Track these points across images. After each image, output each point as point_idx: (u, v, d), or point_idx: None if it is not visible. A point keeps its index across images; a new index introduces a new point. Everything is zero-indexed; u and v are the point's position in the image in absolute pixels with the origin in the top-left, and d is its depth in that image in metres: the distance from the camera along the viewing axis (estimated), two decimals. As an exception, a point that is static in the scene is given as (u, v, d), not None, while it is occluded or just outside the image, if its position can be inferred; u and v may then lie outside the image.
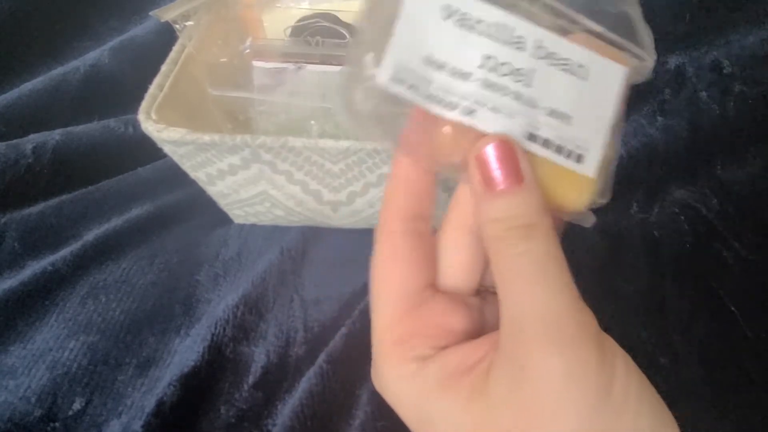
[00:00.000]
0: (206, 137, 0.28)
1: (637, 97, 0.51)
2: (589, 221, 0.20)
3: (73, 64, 0.48)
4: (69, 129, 0.43)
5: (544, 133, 0.19)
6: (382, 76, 0.18)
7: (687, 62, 0.52)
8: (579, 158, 0.19)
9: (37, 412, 0.29)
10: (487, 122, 0.18)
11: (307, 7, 0.40)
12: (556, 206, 0.19)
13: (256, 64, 0.35)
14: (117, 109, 0.46)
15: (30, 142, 0.41)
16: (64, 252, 0.36)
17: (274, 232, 0.40)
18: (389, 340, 0.19)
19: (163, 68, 0.33)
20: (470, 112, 0.18)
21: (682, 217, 0.43)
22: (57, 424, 0.29)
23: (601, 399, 0.16)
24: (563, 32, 0.19)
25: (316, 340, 0.33)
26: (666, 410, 0.17)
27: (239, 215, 0.39)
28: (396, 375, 0.19)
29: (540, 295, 0.16)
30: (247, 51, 0.35)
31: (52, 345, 0.32)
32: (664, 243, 0.41)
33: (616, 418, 0.16)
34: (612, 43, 0.20)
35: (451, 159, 0.19)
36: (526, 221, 0.17)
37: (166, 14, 0.34)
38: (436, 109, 0.18)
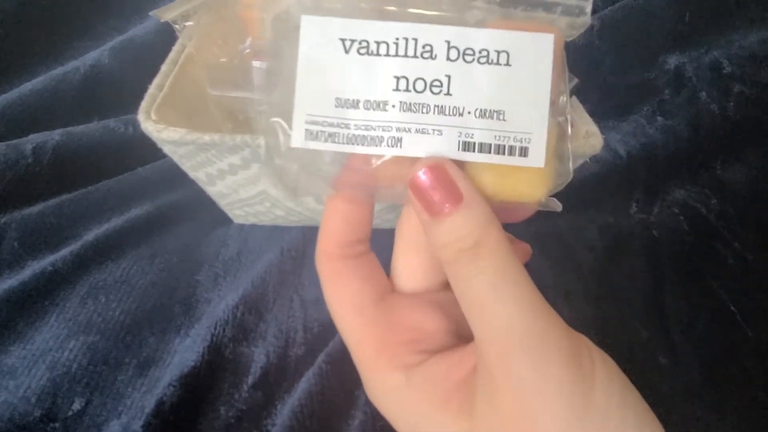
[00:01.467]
0: (206, 137, 0.28)
1: (637, 97, 0.51)
2: (557, 207, 0.19)
3: (73, 64, 0.48)
4: (69, 129, 0.43)
5: (479, 137, 0.18)
6: (296, 139, 0.17)
7: (687, 62, 0.52)
8: (523, 151, 0.18)
9: (37, 413, 0.29)
10: (416, 147, 0.17)
11: None
12: (516, 202, 0.18)
13: (256, 64, 0.35)
14: (117, 109, 0.46)
15: (30, 142, 0.41)
16: (64, 252, 0.36)
17: (274, 232, 0.40)
18: (368, 352, 0.19)
19: (163, 68, 0.33)
20: (397, 141, 0.17)
21: (682, 217, 0.43)
22: (57, 425, 0.29)
23: (581, 410, 0.15)
24: (478, 24, 0.18)
25: (315, 340, 0.33)
26: (650, 413, 0.17)
27: (239, 215, 0.39)
28: (384, 386, 0.19)
29: (498, 313, 0.16)
30: (247, 51, 0.35)
31: (52, 345, 0.32)
32: (664, 243, 0.41)
33: (601, 426, 0.15)
34: (533, 10, 0.18)
35: (393, 189, 0.18)
36: (472, 240, 0.16)
37: (166, 14, 0.33)
38: (362, 150, 0.17)
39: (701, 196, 0.45)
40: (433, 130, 0.17)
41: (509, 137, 0.18)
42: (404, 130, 0.17)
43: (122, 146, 0.43)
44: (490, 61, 0.17)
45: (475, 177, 0.18)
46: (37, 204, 0.39)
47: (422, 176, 0.17)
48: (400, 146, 0.17)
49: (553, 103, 0.18)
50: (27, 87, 0.46)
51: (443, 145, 0.17)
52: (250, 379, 0.31)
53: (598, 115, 0.32)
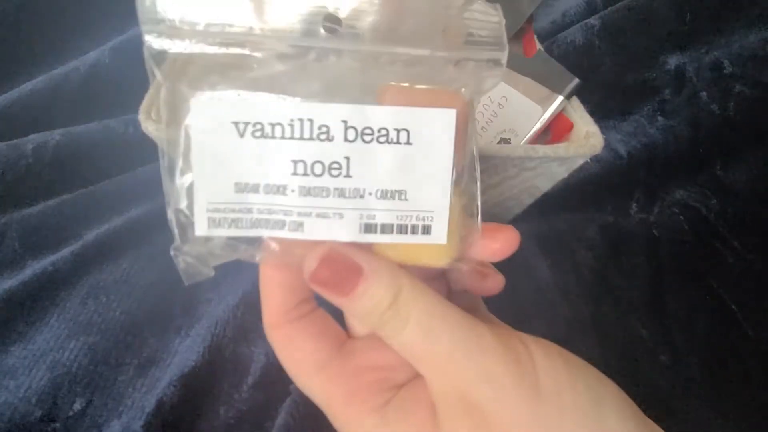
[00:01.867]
0: (206, 137, 0.28)
1: (637, 97, 0.51)
2: (463, 267, 0.19)
3: (73, 64, 0.48)
4: (69, 129, 0.43)
5: (380, 218, 0.17)
6: (199, 228, 0.17)
7: (687, 62, 0.52)
8: (425, 229, 0.18)
9: (38, 413, 0.29)
10: (317, 231, 0.17)
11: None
12: (423, 266, 0.19)
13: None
14: (117, 109, 0.46)
15: (30, 142, 0.41)
16: (65, 252, 0.36)
17: (275, 232, 0.40)
18: (338, 405, 0.20)
19: (164, 68, 0.32)
20: (298, 225, 0.17)
21: (682, 217, 0.43)
22: (57, 425, 0.29)
23: (534, 401, 0.16)
24: (372, 90, 0.17)
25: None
26: (600, 376, 0.17)
27: (239, 215, 0.39)
28: None
29: (436, 350, 0.17)
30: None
31: (52, 345, 0.32)
32: (664, 243, 0.41)
33: (557, 410, 0.16)
34: (441, 68, 0.18)
35: (297, 265, 0.18)
36: (387, 300, 0.17)
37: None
38: (266, 233, 0.17)
39: (701, 196, 0.45)
40: (334, 213, 0.17)
41: (411, 216, 0.18)
42: (305, 214, 0.17)
43: (122, 146, 0.43)
44: (389, 140, 0.17)
45: (379, 252, 0.18)
46: (37, 204, 0.39)
47: (318, 271, 0.17)
48: (302, 231, 0.17)
49: (456, 179, 0.18)
50: (27, 87, 0.46)
51: (344, 228, 0.17)
52: (251, 380, 0.31)
53: (599, 115, 0.32)
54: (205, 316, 0.34)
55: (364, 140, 0.17)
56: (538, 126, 0.34)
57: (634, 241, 0.42)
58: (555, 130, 0.34)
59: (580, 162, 0.31)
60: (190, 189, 0.17)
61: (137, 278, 0.36)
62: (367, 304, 0.17)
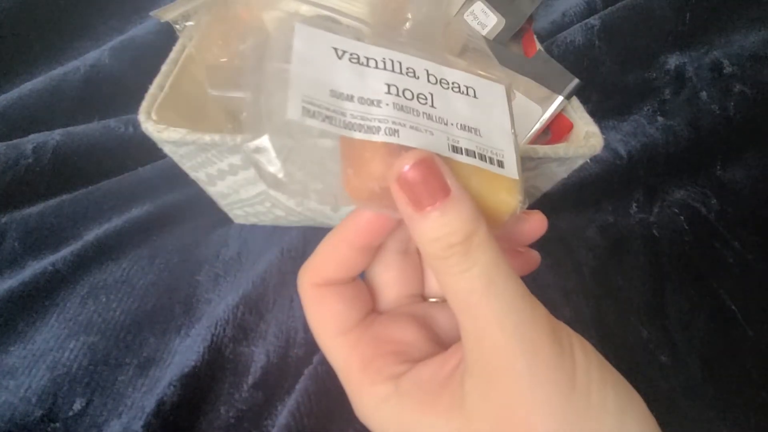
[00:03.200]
0: (207, 137, 0.28)
1: (637, 97, 0.51)
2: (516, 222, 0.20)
3: (73, 64, 0.48)
4: (69, 129, 0.43)
5: (464, 144, 0.19)
6: (293, 112, 0.17)
7: (687, 62, 0.52)
8: (500, 163, 0.19)
9: (38, 413, 0.29)
10: (411, 140, 0.18)
11: (308, 8, 0.40)
12: (489, 216, 0.19)
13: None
14: (117, 109, 0.46)
15: (30, 142, 0.41)
16: (65, 252, 0.36)
17: (275, 232, 0.40)
18: (355, 370, 0.20)
19: (164, 68, 0.32)
20: (394, 132, 0.18)
21: (682, 217, 0.43)
22: (57, 425, 0.29)
23: (568, 393, 0.16)
24: (444, 62, 0.20)
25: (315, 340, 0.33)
26: (628, 386, 0.17)
27: (239, 215, 0.39)
28: (373, 400, 0.19)
29: (495, 305, 0.16)
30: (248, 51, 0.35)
31: (52, 345, 0.32)
32: (664, 243, 0.42)
33: (585, 406, 0.16)
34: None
35: (383, 183, 0.18)
36: (462, 234, 0.16)
37: (166, 14, 0.33)
38: (360, 135, 0.17)
39: (701, 196, 0.45)
40: (425, 129, 0.18)
41: (487, 149, 0.19)
42: (399, 124, 0.18)
43: (122, 146, 0.43)
44: (461, 91, 0.20)
45: (464, 181, 0.18)
46: (38, 204, 0.39)
47: (410, 169, 0.16)
48: (398, 136, 0.18)
49: (514, 135, 0.20)
50: (27, 87, 0.46)
51: (436, 143, 0.18)
52: (251, 379, 0.31)
53: (599, 115, 0.32)
54: (205, 316, 0.34)
55: (442, 86, 0.20)
56: (538, 126, 0.34)
57: (634, 241, 0.42)
58: (555, 130, 0.34)
59: (580, 162, 0.31)
60: (285, 79, 0.17)
61: (137, 278, 0.36)
62: (439, 230, 0.16)
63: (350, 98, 0.18)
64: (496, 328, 0.16)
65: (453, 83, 0.20)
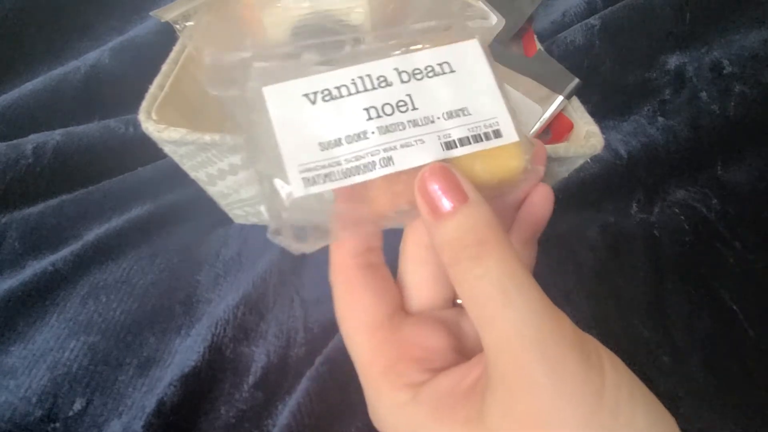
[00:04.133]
0: (207, 137, 0.28)
1: (637, 97, 0.51)
2: (539, 172, 0.21)
3: (73, 64, 0.48)
4: (69, 129, 0.43)
5: (456, 134, 0.19)
6: (297, 189, 0.18)
7: (687, 62, 0.52)
8: (496, 133, 0.19)
9: (38, 413, 0.29)
10: (407, 160, 0.18)
11: (308, 8, 0.40)
12: (505, 184, 0.20)
13: (257, 64, 0.35)
14: (117, 109, 0.46)
15: (30, 142, 0.41)
16: (65, 252, 0.36)
17: (275, 232, 0.40)
18: (376, 372, 0.19)
19: (164, 68, 0.32)
20: (388, 161, 0.18)
21: (682, 217, 0.43)
22: (57, 425, 0.29)
23: (594, 408, 0.15)
24: (406, 49, 0.20)
25: (316, 340, 0.33)
26: (659, 404, 0.17)
27: (239, 215, 0.39)
28: (390, 405, 0.19)
29: (511, 316, 0.16)
30: (248, 51, 0.35)
31: (52, 345, 0.32)
32: (664, 243, 0.41)
33: (612, 421, 0.15)
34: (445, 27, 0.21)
35: (397, 208, 0.19)
36: (477, 237, 0.17)
37: (166, 14, 0.33)
38: (360, 179, 0.18)
39: (702, 196, 0.45)
40: (416, 141, 0.19)
41: (480, 125, 0.19)
42: (391, 149, 0.18)
43: (122, 146, 0.43)
44: (437, 73, 0.20)
45: (468, 171, 0.19)
46: (38, 204, 0.39)
47: (428, 176, 0.17)
48: (393, 164, 0.18)
49: (502, 89, 0.20)
50: (27, 87, 0.46)
51: (429, 151, 0.18)
52: (251, 379, 0.31)
53: (599, 115, 0.32)
54: (205, 316, 0.34)
55: (416, 78, 0.20)
56: (538, 126, 0.34)
57: (634, 241, 0.42)
58: (555, 130, 0.34)
59: (580, 162, 0.31)
60: (278, 162, 0.18)
61: (137, 278, 0.36)
62: (453, 231, 0.17)
63: (338, 142, 0.18)
64: (515, 341, 0.16)
65: (426, 68, 0.20)
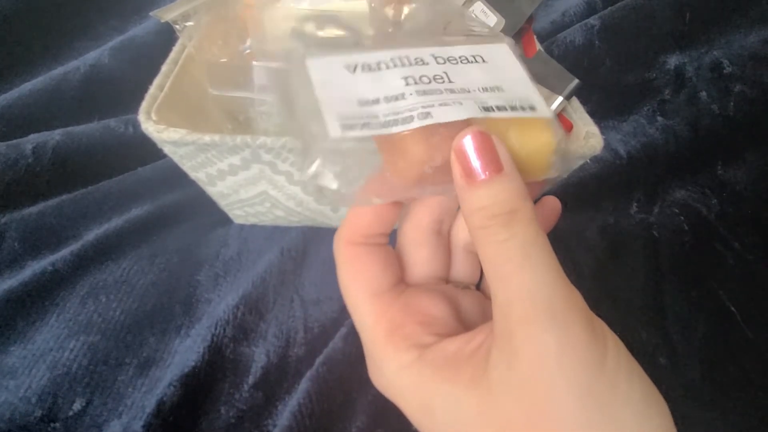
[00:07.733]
0: (206, 138, 0.28)
1: (637, 97, 0.51)
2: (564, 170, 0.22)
3: (73, 64, 0.48)
4: (69, 129, 0.43)
5: (493, 102, 0.20)
6: (334, 131, 0.18)
7: (687, 62, 0.52)
8: (531, 108, 0.20)
9: (38, 413, 0.29)
10: (444, 115, 0.19)
11: (308, 7, 0.40)
12: (532, 163, 0.20)
13: (256, 64, 0.35)
14: (117, 109, 0.46)
15: (30, 142, 0.41)
16: (64, 252, 0.36)
17: (275, 232, 0.40)
18: (381, 335, 0.20)
19: (164, 68, 0.33)
20: (426, 115, 0.19)
21: (682, 217, 0.43)
22: (57, 425, 0.29)
23: (595, 373, 0.16)
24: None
25: (316, 340, 0.33)
26: (656, 390, 0.17)
27: (239, 215, 0.39)
28: (396, 367, 0.19)
29: (528, 276, 0.17)
30: (247, 51, 0.35)
31: (52, 345, 0.32)
32: (664, 243, 0.41)
33: (611, 390, 0.16)
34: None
35: (432, 161, 0.19)
36: (508, 207, 0.17)
37: (166, 14, 0.33)
38: (398, 129, 0.18)
39: (701, 196, 0.45)
40: (453, 102, 0.19)
41: (515, 100, 0.20)
42: (429, 106, 0.19)
43: (122, 146, 0.43)
44: (471, 61, 0.21)
45: (502, 136, 0.19)
46: (37, 204, 0.39)
47: (468, 140, 0.18)
48: (431, 117, 0.18)
49: (533, 81, 0.21)
50: (27, 87, 0.46)
51: (467, 110, 0.19)
52: (251, 379, 0.31)
53: (598, 115, 0.32)
54: (205, 316, 0.34)
55: (451, 63, 0.21)
56: (538, 126, 0.34)
57: (634, 241, 0.42)
58: (555, 131, 0.34)
59: (579, 162, 0.31)
60: (318, 111, 0.19)
61: (137, 278, 0.36)
62: (488, 199, 0.17)
63: (377, 101, 0.19)
64: (527, 299, 0.16)
65: (460, 57, 0.21)
